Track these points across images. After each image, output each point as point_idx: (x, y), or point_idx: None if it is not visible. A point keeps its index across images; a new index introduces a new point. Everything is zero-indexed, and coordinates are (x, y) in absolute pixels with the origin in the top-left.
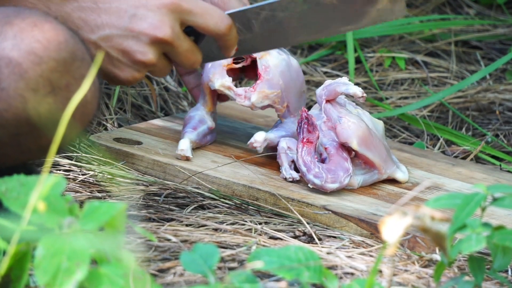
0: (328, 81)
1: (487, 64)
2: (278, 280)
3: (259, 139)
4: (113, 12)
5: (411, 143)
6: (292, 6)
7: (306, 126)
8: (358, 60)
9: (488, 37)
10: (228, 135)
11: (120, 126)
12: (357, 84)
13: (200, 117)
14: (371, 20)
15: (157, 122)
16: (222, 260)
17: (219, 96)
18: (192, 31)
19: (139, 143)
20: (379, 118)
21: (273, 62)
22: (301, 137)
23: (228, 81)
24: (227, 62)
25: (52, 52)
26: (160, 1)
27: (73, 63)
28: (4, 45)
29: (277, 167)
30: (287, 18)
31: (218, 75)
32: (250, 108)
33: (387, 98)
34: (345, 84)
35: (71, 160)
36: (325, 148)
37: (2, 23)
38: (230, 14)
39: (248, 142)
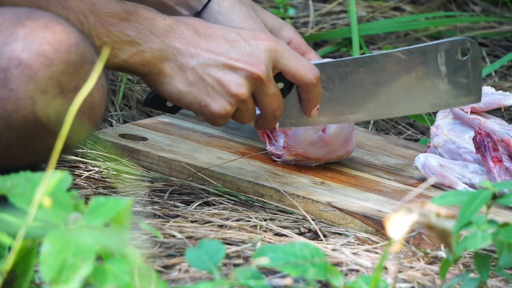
0: None
1: (493, 61)
2: (283, 276)
3: None
4: (213, 41)
5: (416, 140)
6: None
7: (491, 144)
8: None
9: (493, 34)
10: (233, 131)
11: (125, 122)
12: None
13: None
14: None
15: (162, 118)
16: (227, 256)
17: None
18: (279, 80)
19: (144, 139)
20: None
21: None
22: (489, 156)
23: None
24: None
25: (63, 54)
26: (259, 40)
27: (83, 66)
28: (14, 46)
29: (282, 164)
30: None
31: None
32: None
33: None
34: (507, 97)
35: (77, 156)
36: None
37: (13, 23)
38: (317, 65)
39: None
